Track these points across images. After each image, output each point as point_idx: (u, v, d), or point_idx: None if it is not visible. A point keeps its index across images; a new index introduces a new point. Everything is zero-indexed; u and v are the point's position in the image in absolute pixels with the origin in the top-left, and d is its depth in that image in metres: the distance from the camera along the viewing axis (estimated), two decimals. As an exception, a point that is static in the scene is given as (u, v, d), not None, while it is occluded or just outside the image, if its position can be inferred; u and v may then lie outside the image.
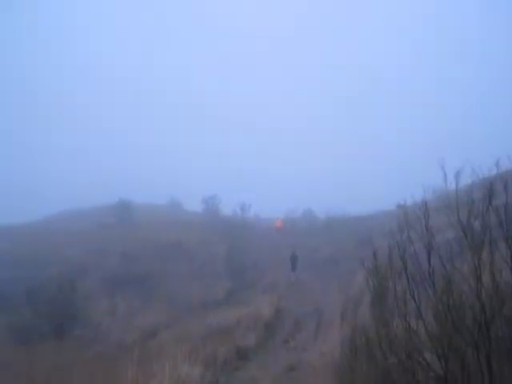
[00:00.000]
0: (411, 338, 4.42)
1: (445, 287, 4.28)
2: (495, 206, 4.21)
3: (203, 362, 10.50)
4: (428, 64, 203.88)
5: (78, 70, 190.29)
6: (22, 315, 20.56)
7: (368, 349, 5.19)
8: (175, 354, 10.73)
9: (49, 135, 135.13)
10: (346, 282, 20.02)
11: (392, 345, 4.56)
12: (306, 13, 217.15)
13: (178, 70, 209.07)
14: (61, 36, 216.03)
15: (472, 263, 4.16)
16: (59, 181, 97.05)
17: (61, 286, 21.50)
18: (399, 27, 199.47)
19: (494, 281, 4.06)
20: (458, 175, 4.56)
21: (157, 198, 63.57)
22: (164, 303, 24.60)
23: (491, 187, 4.19)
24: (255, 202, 55.42)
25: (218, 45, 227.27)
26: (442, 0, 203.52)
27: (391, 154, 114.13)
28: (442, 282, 4.31)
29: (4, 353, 17.26)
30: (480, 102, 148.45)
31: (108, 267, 30.42)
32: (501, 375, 3.99)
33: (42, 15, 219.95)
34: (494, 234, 4.20)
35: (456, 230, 4.39)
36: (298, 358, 11.89)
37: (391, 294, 4.78)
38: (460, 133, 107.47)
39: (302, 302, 20.32)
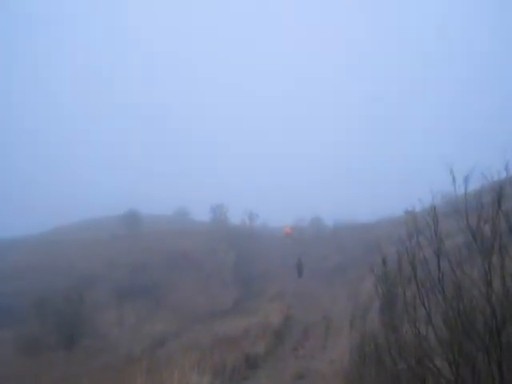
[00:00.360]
0: (421, 344, 4.35)
1: (455, 293, 4.22)
2: (505, 211, 4.15)
3: (212, 371, 10.42)
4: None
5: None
6: (30, 326, 20.57)
7: (377, 355, 5.12)
8: (184, 362, 10.68)
9: (60, 147, 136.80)
10: (355, 290, 19.91)
11: (401, 351, 4.49)
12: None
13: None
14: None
15: (482, 268, 4.10)
16: (69, 192, 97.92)
17: (69, 297, 21.52)
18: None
19: (505, 285, 4.00)
20: (467, 179, 4.51)
21: (165, 209, 63.76)
22: (172, 312, 24.54)
23: (501, 191, 4.14)
24: (263, 211, 55.62)
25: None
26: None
27: (398, 159, 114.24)
28: (452, 287, 4.25)
29: (13, 364, 17.28)
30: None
31: (117, 278, 30.46)
32: (512, 381, 3.93)
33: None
34: (504, 238, 4.14)
35: (465, 235, 4.34)
36: (307, 366, 11.78)
37: (400, 299, 4.71)
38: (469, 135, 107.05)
39: (310, 310, 20.20)
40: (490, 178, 4.65)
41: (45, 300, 21.25)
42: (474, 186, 4.81)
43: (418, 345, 4.34)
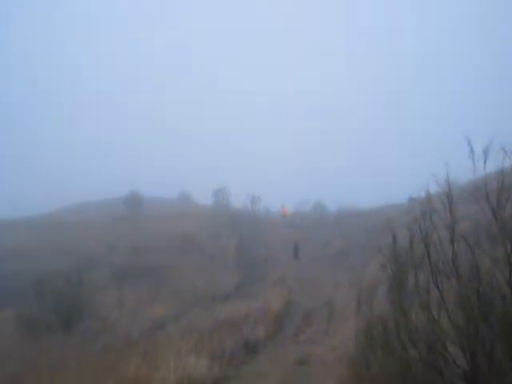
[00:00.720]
0: (434, 329, 3.99)
1: (471, 274, 3.86)
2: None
3: (210, 354, 10.15)
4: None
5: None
6: (30, 308, 20.39)
7: (385, 339, 4.77)
8: (181, 346, 10.42)
9: (62, 130, 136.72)
10: (358, 275, 19.63)
11: (412, 335, 4.14)
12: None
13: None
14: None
15: (503, 249, 3.73)
16: (74, 172, 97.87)
17: (68, 278, 21.28)
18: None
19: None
20: (486, 153, 4.11)
21: (168, 192, 63.57)
22: (173, 296, 24.32)
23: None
24: (265, 195, 55.40)
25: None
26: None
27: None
28: (469, 267, 3.89)
29: (11, 344, 17.14)
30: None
31: (117, 260, 30.27)
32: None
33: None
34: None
35: (485, 215, 3.96)
36: (309, 352, 11.49)
37: (411, 281, 4.36)
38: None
39: (312, 295, 19.94)
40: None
41: (43, 281, 21.00)
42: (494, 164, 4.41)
43: (430, 330, 3.99)
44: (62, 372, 10.44)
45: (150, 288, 26.02)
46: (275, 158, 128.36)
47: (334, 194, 59.47)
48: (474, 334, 3.80)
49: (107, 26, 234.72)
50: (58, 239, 34.38)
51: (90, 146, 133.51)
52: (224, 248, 34.61)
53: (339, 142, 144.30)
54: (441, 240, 4.06)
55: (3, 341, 17.79)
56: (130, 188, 50.02)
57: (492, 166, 4.14)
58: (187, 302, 23.23)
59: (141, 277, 27.24)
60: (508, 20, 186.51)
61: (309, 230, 38.82)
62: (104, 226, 40.33)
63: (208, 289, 25.76)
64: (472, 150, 4.13)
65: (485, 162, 4.14)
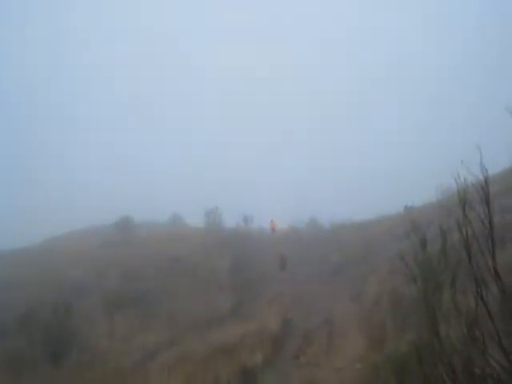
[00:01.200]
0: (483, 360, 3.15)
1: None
2: None
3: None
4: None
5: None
6: (16, 341, 19.50)
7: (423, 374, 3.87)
8: (174, 379, 9.59)
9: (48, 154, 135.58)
10: (358, 290, 18.89)
11: (453, 368, 3.28)
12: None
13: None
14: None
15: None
16: (62, 202, 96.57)
17: (55, 309, 20.40)
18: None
19: None
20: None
21: (159, 215, 62.69)
22: (166, 321, 23.38)
23: None
24: (258, 214, 54.83)
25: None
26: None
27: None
28: None
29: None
30: None
31: (107, 287, 29.25)
32: None
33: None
34: None
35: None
36: (311, 376, 10.67)
37: (445, 292, 3.56)
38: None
39: (311, 312, 19.12)
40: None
41: (30, 313, 20.14)
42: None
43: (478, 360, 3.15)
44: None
45: (142, 314, 25.06)
46: (268, 174, 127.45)
47: (326, 208, 58.88)
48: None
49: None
50: (45, 269, 33.35)
51: (76, 169, 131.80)
52: (217, 269, 33.72)
53: (328, 155, 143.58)
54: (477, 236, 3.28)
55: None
56: (119, 214, 49.39)
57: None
58: (181, 327, 22.35)
59: (132, 303, 26.27)
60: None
61: (304, 245, 38.13)
62: (94, 252, 39.34)
63: (202, 312, 24.85)
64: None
65: None
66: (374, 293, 15.20)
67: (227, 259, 34.18)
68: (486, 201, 3.05)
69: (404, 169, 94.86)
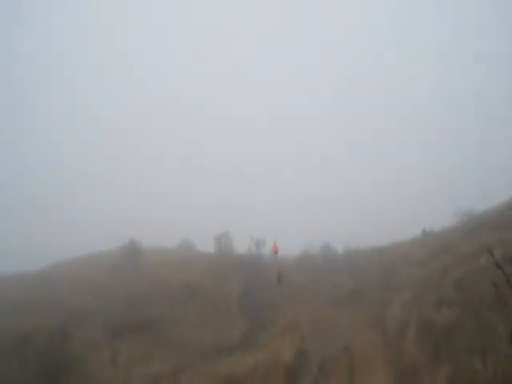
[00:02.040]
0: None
1: None
2: None
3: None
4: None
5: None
6: (9, 369, 18.24)
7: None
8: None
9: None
10: (378, 316, 17.50)
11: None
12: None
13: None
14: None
15: None
16: (68, 227, 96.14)
17: (53, 336, 19.17)
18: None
19: None
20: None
21: (168, 241, 61.80)
22: (171, 350, 22.02)
23: None
24: (270, 239, 53.82)
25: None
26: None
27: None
28: None
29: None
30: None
31: (112, 313, 27.97)
32: None
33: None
34: None
35: None
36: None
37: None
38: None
39: (328, 340, 17.68)
40: None
41: (26, 339, 18.91)
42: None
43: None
44: None
45: (148, 341, 23.71)
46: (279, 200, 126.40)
47: (338, 234, 57.72)
48: None
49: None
50: (47, 293, 32.17)
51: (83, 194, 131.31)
52: (228, 295, 32.50)
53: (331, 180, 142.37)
54: None
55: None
56: (129, 238, 48.30)
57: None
58: (189, 355, 21.00)
59: (138, 329, 24.94)
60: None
61: (318, 270, 36.84)
62: (99, 277, 38.16)
63: (212, 340, 23.50)
64: None
65: None
66: (397, 319, 13.81)
67: (239, 285, 33.01)
68: None
69: (421, 194, 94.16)
